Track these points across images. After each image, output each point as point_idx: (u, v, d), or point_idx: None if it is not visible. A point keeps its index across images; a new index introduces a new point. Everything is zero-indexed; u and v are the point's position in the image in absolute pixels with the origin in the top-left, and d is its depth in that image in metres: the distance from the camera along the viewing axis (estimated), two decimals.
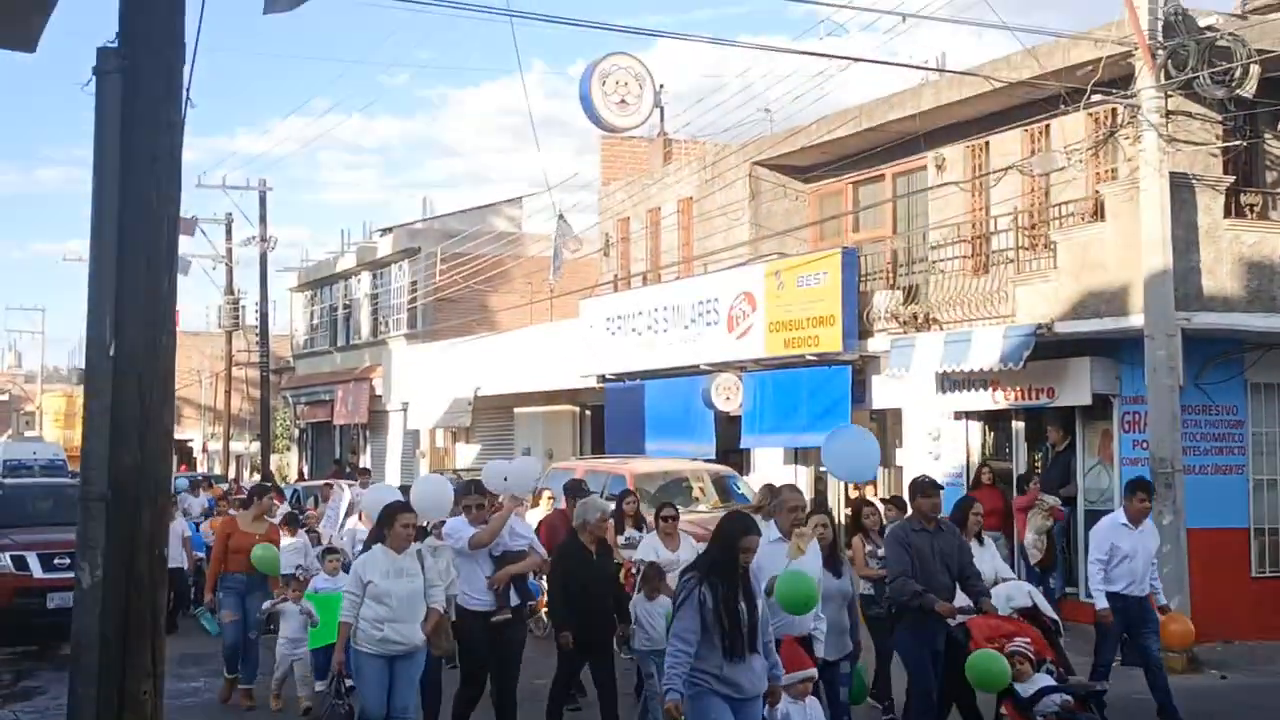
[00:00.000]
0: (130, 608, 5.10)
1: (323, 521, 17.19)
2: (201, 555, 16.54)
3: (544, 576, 12.00)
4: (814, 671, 8.09)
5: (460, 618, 9.78)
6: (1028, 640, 8.92)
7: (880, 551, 11.10)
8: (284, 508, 16.94)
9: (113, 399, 5.15)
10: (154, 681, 5.14)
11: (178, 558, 16.18)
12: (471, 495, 10.26)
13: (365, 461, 34.42)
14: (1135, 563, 10.61)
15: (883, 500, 13.53)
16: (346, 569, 10.98)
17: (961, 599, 9.17)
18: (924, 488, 9.41)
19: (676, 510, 11.58)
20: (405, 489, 11.97)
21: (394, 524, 8.64)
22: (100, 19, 5.69)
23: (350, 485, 18.50)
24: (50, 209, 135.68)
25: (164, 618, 5.30)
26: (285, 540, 12.87)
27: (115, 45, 5.38)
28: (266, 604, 11.70)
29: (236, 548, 11.91)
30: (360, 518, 13.50)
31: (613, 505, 12.55)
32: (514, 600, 10.20)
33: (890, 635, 9.91)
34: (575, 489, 13.12)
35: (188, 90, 5.49)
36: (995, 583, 9.82)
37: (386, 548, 8.62)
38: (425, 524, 10.19)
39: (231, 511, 14.44)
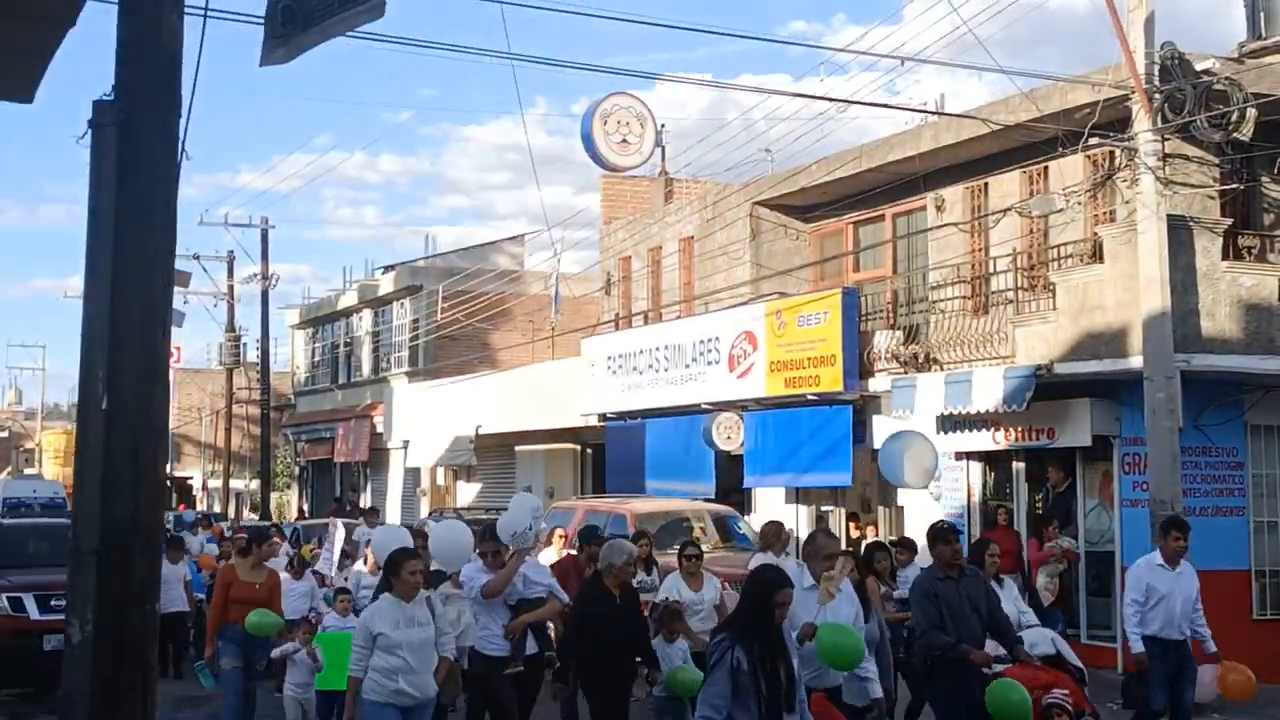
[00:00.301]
0: (121, 662, 5.07)
1: (319, 562, 17.02)
2: (202, 597, 16.39)
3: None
4: None
5: (481, 663, 9.66)
6: (1066, 692, 8.61)
7: (895, 593, 11.01)
8: (285, 547, 16.80)
9: (105, 452, 5.13)
10: None
11: (180, 601, 16.10)
12: (486, 542, 10.14)
13: (366, 500, 34.31)
14: (1172, 604, 10.37)
15: (892, 543, 13.49)
16: (357, 611, 10.78)
17: (993, 647, 8.88)
18: (943, 534, 9.07)
19: (700, 550, 11.42)
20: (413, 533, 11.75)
21: (401, 572, 8.32)
22: (100, 66, 5.70)
23: (354, 524, 18.23)
24: (52, 246, 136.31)
25: (155, 673, 5.26)
26: (291, 584, 12.63)
27: (111, 98, 5.38)
28: (276, 651, 11.25)
29: (237, 598, 11.50)
30: (366, 562, 13.22)
31: (636, 549, 12.44)
32: (533, 648, 10.09)
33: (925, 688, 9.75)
34: (589, 535, 12.93)
35: (183, 143, 5.50)
36: (1018, 627, 9.61)
37: (395, 597, 8.29)
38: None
39: (232, 554, 14.24)
